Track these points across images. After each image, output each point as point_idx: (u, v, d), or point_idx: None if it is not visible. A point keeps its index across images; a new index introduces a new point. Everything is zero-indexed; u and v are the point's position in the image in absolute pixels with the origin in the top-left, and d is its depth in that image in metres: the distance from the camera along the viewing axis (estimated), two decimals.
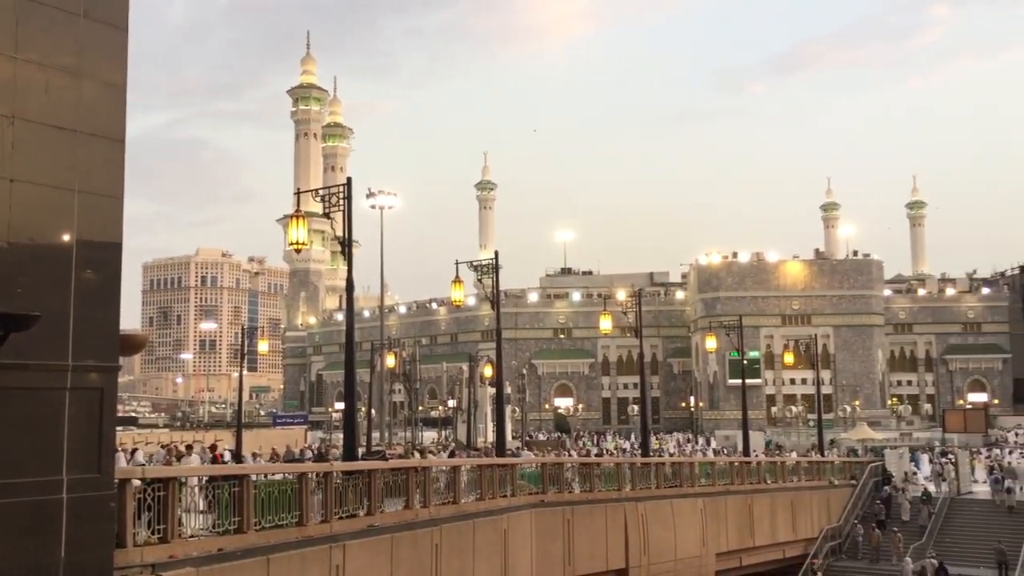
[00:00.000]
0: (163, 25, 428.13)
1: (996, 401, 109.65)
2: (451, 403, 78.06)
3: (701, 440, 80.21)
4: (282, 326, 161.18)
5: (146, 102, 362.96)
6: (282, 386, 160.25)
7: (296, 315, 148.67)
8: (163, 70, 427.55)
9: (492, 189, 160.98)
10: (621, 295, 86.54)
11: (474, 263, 31.70)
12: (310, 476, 17.67)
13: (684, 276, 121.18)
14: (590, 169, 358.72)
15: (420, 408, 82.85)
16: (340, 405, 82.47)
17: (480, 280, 31.31)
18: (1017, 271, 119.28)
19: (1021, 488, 42.63)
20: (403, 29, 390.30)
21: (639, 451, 47.73)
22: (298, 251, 24.13)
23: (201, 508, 15.58)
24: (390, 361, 60.72)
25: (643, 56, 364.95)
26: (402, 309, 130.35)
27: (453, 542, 21.56)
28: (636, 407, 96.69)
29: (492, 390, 52.61)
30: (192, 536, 15.00)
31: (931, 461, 49.44)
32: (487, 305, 32.58)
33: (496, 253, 31.68)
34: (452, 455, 33.32)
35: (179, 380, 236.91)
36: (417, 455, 30.26)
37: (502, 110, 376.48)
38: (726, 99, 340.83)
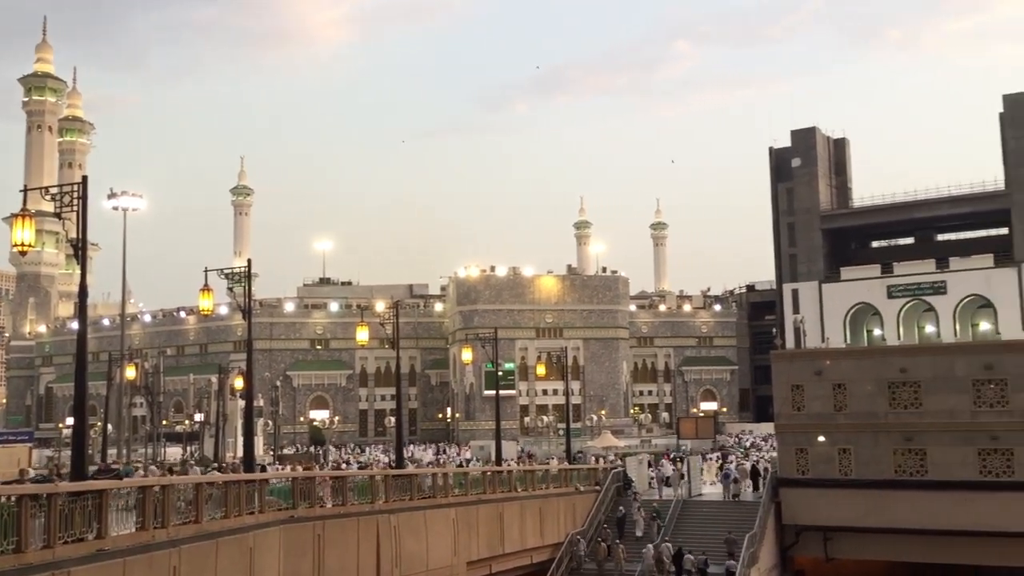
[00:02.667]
0: None
1: (724, 409, 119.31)
2: (198, 417, 74.47)
3: (452, 450, 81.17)
4: (6, 335, 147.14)
5: None
6: (4, 400, 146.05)
7: (23, 323, 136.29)
8: None
9: (249, 195, 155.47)
10: (380, 306, 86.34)
11: (225, 271, 30.38)
12: (30, 498, 16.15)
13: (443, 289, 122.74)
14: (352, 178, 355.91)
15: (164, 423, 78.27)
16: (72, 420, 76.44)
17: (231, 289, 30.10)
18: (744, 290, 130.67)
19: (745, 487, 46.42)
20: (155, 22, 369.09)
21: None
22: (23, 253, 22.04)
23: None
24: (130, 373, 56.95)
25: (407, 67, 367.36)
26: (147, 318, 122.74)
27: (194, 563, 20.48)
28: (393, 419, 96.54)
29: (243, 403, 50.65)
30: None
31: (650, 464, 52.61)
32: (240, 314, 31.31)
33: (249, 261, 30.57)
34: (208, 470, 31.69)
35: None
36: (156, 471, 28.50)
37: (262, 114, 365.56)
38: (489, 115, 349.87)
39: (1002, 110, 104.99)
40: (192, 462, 47.17)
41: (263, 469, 34.10)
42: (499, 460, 48.80)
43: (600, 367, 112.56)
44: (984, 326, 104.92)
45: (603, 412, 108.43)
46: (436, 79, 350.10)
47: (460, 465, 56.76)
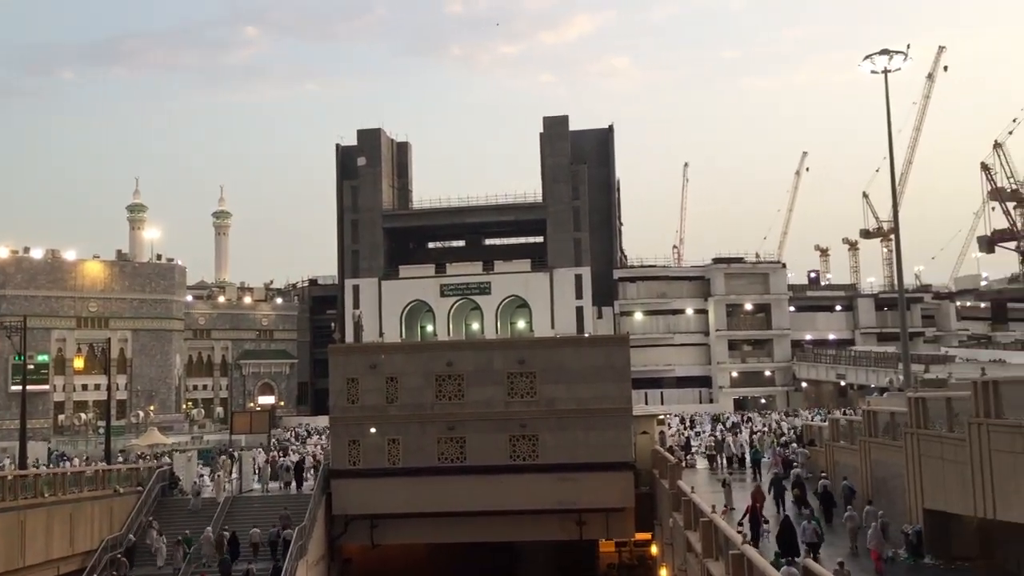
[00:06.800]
0: None
1: (282, 403, 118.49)
2: None
3: None
4: None
5: None
6: None
7: None
8: None
9: None
10: None
11: None
12: None
13: None
14: None
15: None
16: None
17: None
18: (307, 284, 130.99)
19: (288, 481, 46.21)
20: None
21: None
22: None
23: None
24: None
25: None
26: None
27: None
28: None
29: None
30: None
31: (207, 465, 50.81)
32: None
33: None
34: None
35: None
36: None
37: None
38: (32, 80, 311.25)
39: (542, 130, 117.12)
40: None
41: None
42: (23, 463, 43.59)
43: (151, 360, 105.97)
44: (520, 324, 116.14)
45: (152, 408, 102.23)
46: None
47: None
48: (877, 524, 24.71)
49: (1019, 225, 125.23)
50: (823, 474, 34.75)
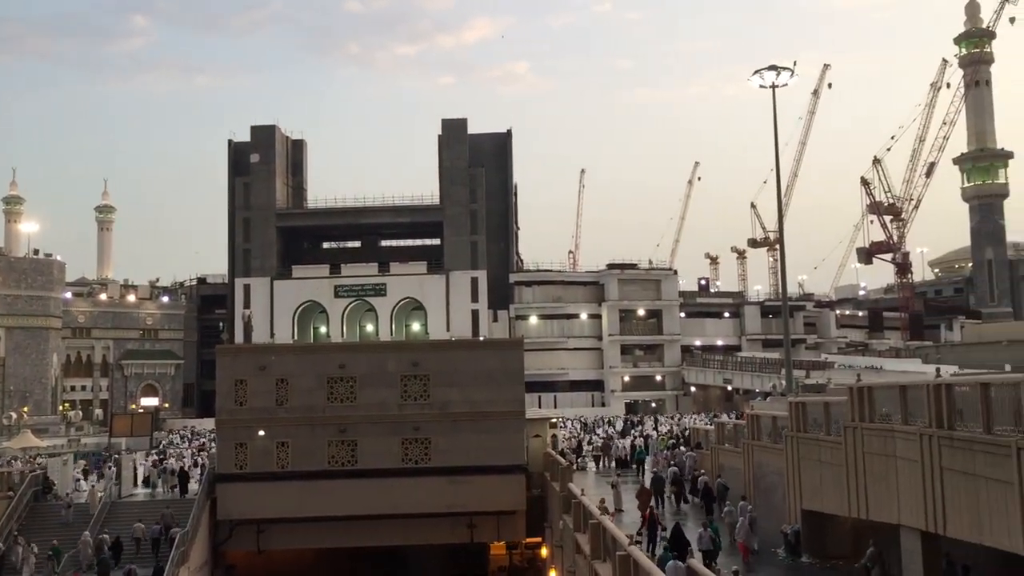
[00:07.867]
0: None
1: (167, 405, 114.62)
2: None
3: None
4: None
5: None
6: None
7: None
8: None
9: None
10: None
11: None
12: None
13: None
14: None
15: None
16: None
17: None
18: (195, 282, 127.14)
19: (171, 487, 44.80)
20: None
21: None
22: None
23: None
24: None
25: None
26: None
27: None
28: None
29: None
30: None
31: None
32: None
33: None
34: None
35: None
36: None
37: None
38: None
39: (440, 132, 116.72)
40: None
41: None
42: None
43: (25, 359, 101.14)
44: (416, 327, 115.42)
45: (26, 409, 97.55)
46: None
47: None
48: (745, 519, 25.51)
49: (895, 238, 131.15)
50: (701, 472, 36.05)
